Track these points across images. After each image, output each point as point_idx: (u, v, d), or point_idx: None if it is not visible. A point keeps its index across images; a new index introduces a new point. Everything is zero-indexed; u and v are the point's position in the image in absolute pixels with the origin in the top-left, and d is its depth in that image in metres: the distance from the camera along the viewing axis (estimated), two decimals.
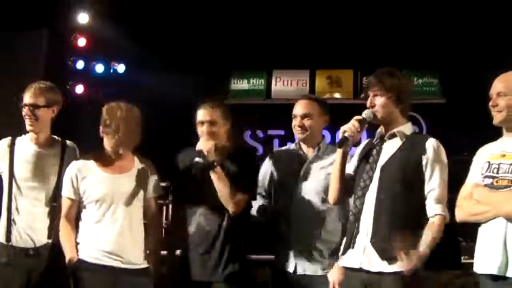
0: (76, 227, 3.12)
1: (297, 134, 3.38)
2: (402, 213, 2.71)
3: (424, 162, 2.75)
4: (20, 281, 3.14)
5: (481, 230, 2.65)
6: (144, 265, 3.12)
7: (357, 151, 3.04)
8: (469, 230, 2.90)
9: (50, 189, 3.25)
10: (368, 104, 2.88)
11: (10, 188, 3.21)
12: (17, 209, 3.20)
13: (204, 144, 3.13)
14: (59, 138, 3.37)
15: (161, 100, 6.47)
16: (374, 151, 2.89)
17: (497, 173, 2.62)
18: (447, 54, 6.85)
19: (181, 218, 3.28)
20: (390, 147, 2.86)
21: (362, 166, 2.91)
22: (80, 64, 6.97)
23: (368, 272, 2.72)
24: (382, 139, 2.91)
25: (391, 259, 2.68)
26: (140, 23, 6.66)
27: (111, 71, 7.25)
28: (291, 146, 3.50)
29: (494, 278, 2.51)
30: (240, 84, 7.91)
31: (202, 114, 3.25)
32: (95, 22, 6.73)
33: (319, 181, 3.27)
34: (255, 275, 3.51)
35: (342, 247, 2.90)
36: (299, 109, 3.36)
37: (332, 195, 2.99)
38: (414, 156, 2.77)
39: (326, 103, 3.47)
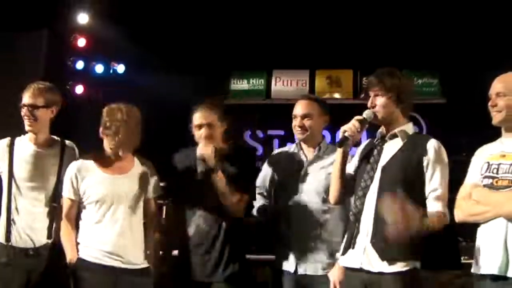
0: (76, 227, 3.13)
1: (297, 134, 3.38)
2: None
3: (425, 163, 2.75)
4: (20, 281, 3.15)
5: (480, 231, 2.65)
6: (144, 265, 3.12)
7: (358, 151, 3.04)
8: (469, 231, 2.90)
9: (49, 189, 3.25)
10: (368, 104, 2.88)
11: (10, 188, 3.21)
12: (16, 209, 3.20)
13: (204, 150, 3.13)
14: (58, 138, 3.38)
15: (161, 100, 6.46)
16: (375, 151, 2.89)
17: (497, 173, 2.62)
18: (447, 54, 6.84)
19: (180, 219, 3.28)
20: (391, 148, 2.85)
21: (363, 166, 2.90)
22: (80, 65, 6.96)
23: (368, 272, 2.72)
24: (383, 139, 2.91)
25: (391, 260, 2.68)
26: (140, 23, 6.65)
27: (111, 71, 7.24)
28: (291, 146, 3.50)
29: (495, 278, 2.51)
30: (240, 84, 7.90)
31: (199, 117, 3.24)
32: (95, 22, 6.72)
33: (319, 181, 3.27)
34: (255, 275, 3.51)
35: (342, 247, 2.90)
36: (299, 109, 3.36)
37: (332, 195, 3.00)
38: (415, 157, 2.77)
39: (326, 103, 3.48)
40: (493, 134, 2.76)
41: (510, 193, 2.54)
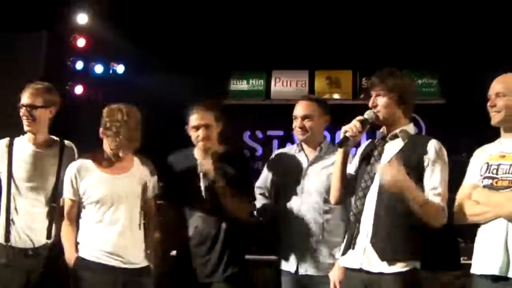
0: (77, 227, 3.13)
1: (298, 135, 3.38)
2: (402, 214, 2.70)
3: (425, 163, 2.73)
4: (19, 281, 3.14)
5: (480, 231, 2.65)
6: (144, 263, 3.12)
7: (358, 151, 3.03)
8: (468, 231, 2.90)
9: (49, 190, 3.24)
10: (370, 104, 2.86)
11: (9, 189, 3.21)
12: (16, 209, 3.20)
13: (204, 164, 3.13)
14: (58, 139, 3.37)
15: (160, 100, 6.46)
16: (376, 152, 2.88)
17: (497, 174, 2.61)
18: (447, 54, 6.85)
19: (179, 219, 3.28)
20: (392, 148, 2.84)
21: (364, 166, 2.90)
22: (79, 65, 6.97)
23: (368, 272, 2.72)
24: (384, 140, 2.90)
25: (391, 260, 2.67)
26: (140, 23, 6.66)
27: (111, 71, 7.25)
28: (293, 147, 3.50)
29: (495, 279, 2.51)
30: (239, 85, 7.90)
31: (196, 118, 3.24)
32: (94, 22, 6.72)
33: (321, 182, 3.27)
34: (255, 276, 3.50)
35: (342, 248, 2.89)
36: (299, 110, 3.35)
37: (333, 195, 2.99)
38: (415, 157, 2.76)
39: (327, 103, 3.47)
40: (492, 134, 2.76)
41: (510, 194, 2.54)
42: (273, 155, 3.58)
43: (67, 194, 3.12)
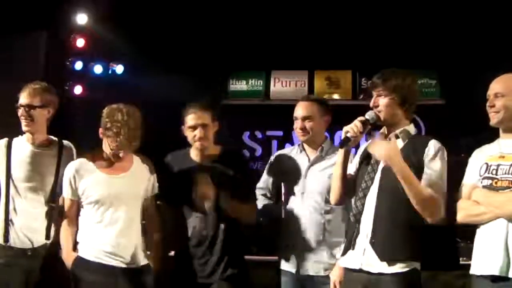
0: (76, 226, 3.13)
1: (299, 136, 3.37)
2: (402, 215, 2.69)
3: (425, 161, 2.72)
4: (19, 281, 3.13)
5: (480, 232, 2.64)
6: (144, 262, 3.12)
7: (359, 151, 3.03)
8: (467, 232, 2.89)
9: (47, 190, 3.24)
10: (371, 104, 2.85)
11: (8, 189, 3.20)
12: (14, 209, 3.20)
13: (206, 195, 3.14)
14: (56, 138, 3.37)
15: (159, 100, 6.46)
16: None
17: (496, 174, 2.61)
18: (446, 55, 6.85)
19: (177, 220, 3.28)
20: None
21: (364, 167, 2.89)
22: (78, 65, 6.97)
23: (368, 273, 2.71)
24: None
25: (391, 260, 2.67)
26: (139, 24, 6.66)
27: (110, 72, 7.25)
28: (294, 147, 3.49)
29: (495, 279, 2.50)
30: (238, 85, 7.91)
31: (192, 118, 3.22)
32: (93, 23, 6.73)
33: (322, 182, 3.26)
34: (255, 276, 3.50)
35: (342, 248, 2.90)
36: (299, 111, 3.34)
37: (333, 196, 2.98)
38: (415, 158, 2.75)
39: (327, 103, 3.46)
40: (492, 135, 2.75)
41: (510, 194, 2.54)
42: (274, 156, 3.57)
43: (66, 194, 3.12)
